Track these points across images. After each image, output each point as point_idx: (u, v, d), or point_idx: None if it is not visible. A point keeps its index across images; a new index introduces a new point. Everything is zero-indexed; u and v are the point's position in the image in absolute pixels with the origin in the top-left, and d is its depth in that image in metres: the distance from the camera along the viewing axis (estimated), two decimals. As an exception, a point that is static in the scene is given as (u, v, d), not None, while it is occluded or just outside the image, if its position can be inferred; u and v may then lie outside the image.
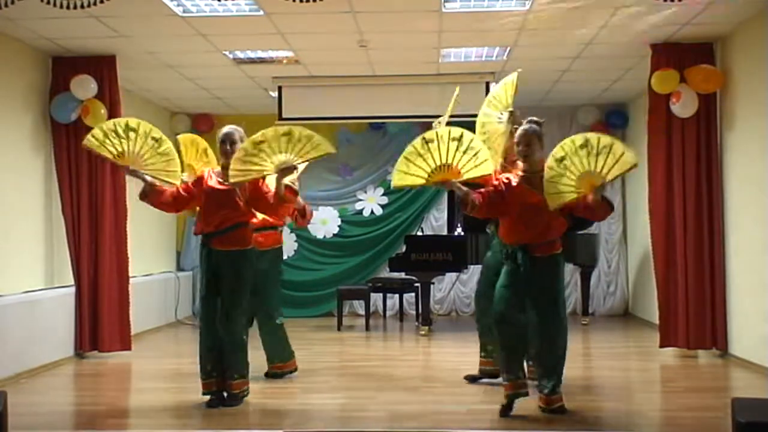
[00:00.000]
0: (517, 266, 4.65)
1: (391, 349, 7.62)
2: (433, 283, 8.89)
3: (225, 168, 4.89)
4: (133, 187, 7.42)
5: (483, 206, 4.58)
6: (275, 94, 8.27)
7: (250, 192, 4.92)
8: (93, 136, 4.83)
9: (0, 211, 6.22)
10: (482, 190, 4.66)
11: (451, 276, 9.79)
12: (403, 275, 8.81)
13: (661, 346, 6.76)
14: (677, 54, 6.65)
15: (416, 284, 8.76)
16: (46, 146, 6.88)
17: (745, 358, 6.29)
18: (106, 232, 6.90)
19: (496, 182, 4.68)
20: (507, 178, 4.67)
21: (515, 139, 4.67)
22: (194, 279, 10.13)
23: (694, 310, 6.60)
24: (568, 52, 7.10)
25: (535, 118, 4.70)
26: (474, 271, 9.94)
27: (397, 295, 9.51)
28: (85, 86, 6.78)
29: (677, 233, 6.66)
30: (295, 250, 10.08)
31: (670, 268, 6.70)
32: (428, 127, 5.17)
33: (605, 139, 4.25)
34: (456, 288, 10.10)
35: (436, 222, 10.11)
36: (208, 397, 5.04)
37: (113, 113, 6.92)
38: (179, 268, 10.09)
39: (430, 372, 6.55)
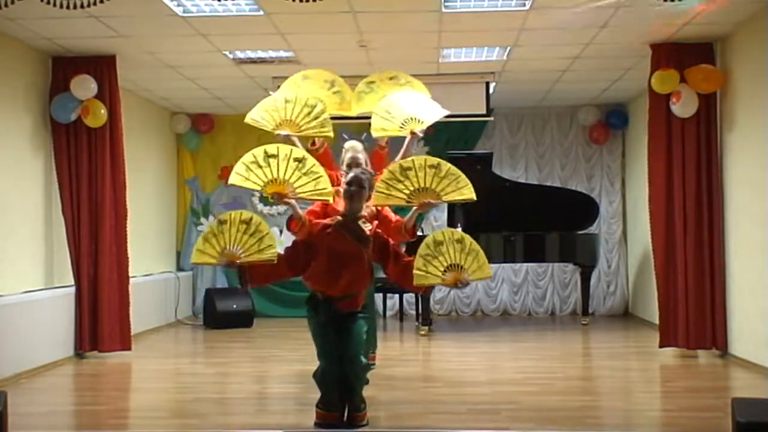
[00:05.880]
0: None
1: (391, 349, 7.61)
2: (433, 283, 8.86)
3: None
4: (133, 187, 7.46)
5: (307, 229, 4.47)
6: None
7: (378, 218, 4.72)
8: (237, 173, 4.41)
9: (0, 211, 6.22)
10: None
11: (451, 276, 9.76)
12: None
13: (661, 346, 6.76)
14: (677, 54, 6.65)
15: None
16: (46, 146, 6.88)
17: (745, 358, 6.29)
18: (106, 232, 6.89)
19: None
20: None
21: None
22: (194, 279, 10.14)
23: (694, 310, 6.60)
24: (568, 52, 7.10)
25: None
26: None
27: (397, 295, 9.50)
28: (85, 86, 6.78)
29: (677, 233, 6.66)
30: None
31: (670, 268, 6.70)
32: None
33: (475, 245, 4.36)
34: (456, 288, 10.08)
35: (436, 222, 10.09)
36: None
37: (113, 113, 6.94)
38: (179, 268, 10.08)
39: (430, 372, 6.55)
